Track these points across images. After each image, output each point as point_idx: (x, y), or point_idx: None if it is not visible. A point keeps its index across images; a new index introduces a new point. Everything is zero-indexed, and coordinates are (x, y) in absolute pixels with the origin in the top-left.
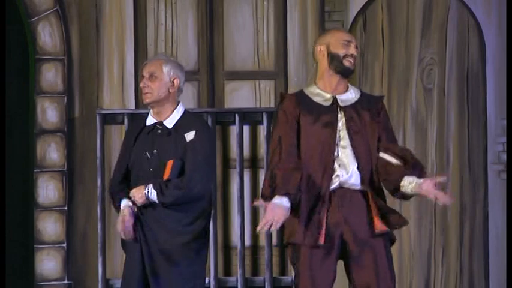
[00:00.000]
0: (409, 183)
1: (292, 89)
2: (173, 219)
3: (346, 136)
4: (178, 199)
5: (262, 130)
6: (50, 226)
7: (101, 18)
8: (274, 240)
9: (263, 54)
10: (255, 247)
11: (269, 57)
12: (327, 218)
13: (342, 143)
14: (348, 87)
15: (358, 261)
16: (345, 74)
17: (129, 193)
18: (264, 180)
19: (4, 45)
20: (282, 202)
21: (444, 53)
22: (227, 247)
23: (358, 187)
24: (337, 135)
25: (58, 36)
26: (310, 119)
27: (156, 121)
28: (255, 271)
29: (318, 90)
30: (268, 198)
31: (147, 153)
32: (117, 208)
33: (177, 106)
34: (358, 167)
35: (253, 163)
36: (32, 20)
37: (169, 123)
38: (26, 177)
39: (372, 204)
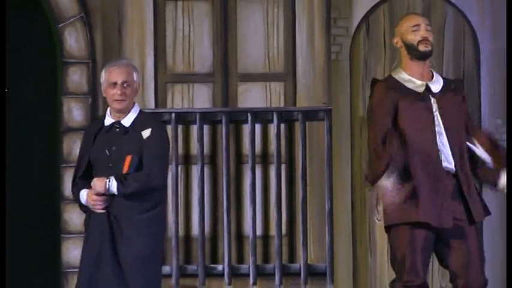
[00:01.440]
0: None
1: (300, 91)
2: (129, 206)
3: (441, 122)
4: (137, 190)
5: (272, 128)
6: (75, 217)
7: (123, 24)
8: (284, 230)
9: (273, 58)
10: (265, 236)
11: (279, 60)
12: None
13: (437, 129)
14: (432, 73)
15: (451, 245)
16: (425, 57)
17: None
18: (370, 164)
19: (4, 43)
20: (389, 182)
21: (441, 56)
22: (240, 236)
23: (453, 172)
24: (435, 122)
25: (83, 40)
26: (406, 103)
27: (114, 121)
28: (266, 259)
29: (409, 77)
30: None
31: (106, 150)
32: (81, 206)
33: (133, 106)
34: (452, 153)
35: (264, 159)
36: (59, 26)
37: (127, 122)
38: (53, 171)
39: (465, 191)
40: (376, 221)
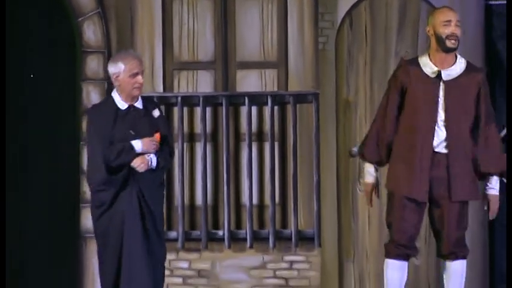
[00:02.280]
0: (487, 187)
1: (291, 77)
2: (153, 179)
3: (443, 107)
4: (168, 164)
5: (267, 110)
6: None
7: (135, 18)
8: (277, 200)
9: (268, 48)
10: (261, 205)
11: (273, 50)
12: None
13: (440, 112)
14: (456, 60)
15: (434, 213)
16: (449, 52)
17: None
18: (367, 137)
19: (4, 39)
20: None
21: (416, 46)
22: (238, 205)
23: (445, 153)
24: (438, 106)
25: (100, 33)
26: (416, 87)
27: (128, 105)
28: (261, 225)
29: (429, 62)
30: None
31: (131, 131)
32: (127, 157)
33: None
34: (449, 137)
35: (260, 137)
36: (79, 20)
37: (139, 105)
38: (73, 148)
39: (451, 172)
40: (359, 191)
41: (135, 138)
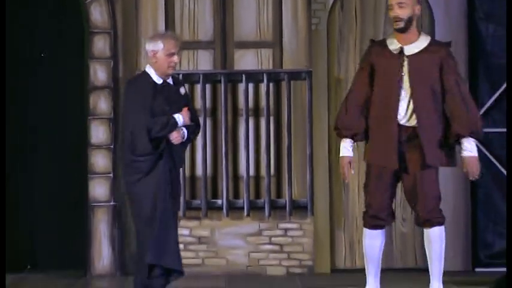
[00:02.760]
0: (461, 149)
1: (285, 56)
2: (180, 153)
3: (408, 81)
4: (196, 136)
5: (263, 87)
6: (100, 160)
7: (139, 1)
8: (272, 171)
9: (263, 29)
10: (257, 176)
11: (268, 31)
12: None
13: (404, 85)
14: (418, 37)
15: (405, 181)
16: (400, 32)
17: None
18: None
19: (4, 39)
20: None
21: None
22: (236, 176)
23: (415, 126)
24: (401, 80)
25: (106, 14)
26: (382, 64)
27: (162, 80)
28: (257, 195)
29: (394, 40)
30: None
31: (166, 105)
32: (170, 127)
33: None
34: (414, 109)
35: (256, 112)
36: (86, 1)
37: (170, 82)
38: (82, 122)
39: (422, 141)
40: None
41: (169, 112)
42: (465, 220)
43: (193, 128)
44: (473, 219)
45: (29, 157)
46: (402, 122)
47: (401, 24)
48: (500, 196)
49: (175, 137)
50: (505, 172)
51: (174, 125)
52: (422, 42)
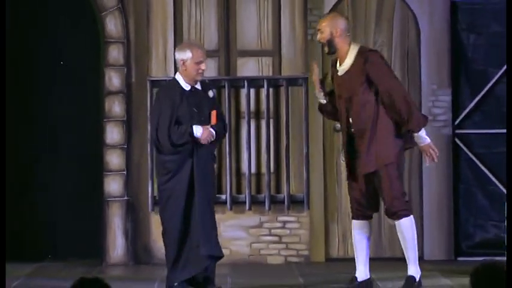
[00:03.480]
0: (416, 140)
1: (284, 63)
2: (208, 153)
3: (344, 94)
4: (224, 137)
5: (263, 92)
6: (114, 159)
7: (150, 13)
8: (272, 169)
9: (264, 39)
10: (258, 173)
11: (268, 41)
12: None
13: (343, 98)
14: (348, 53)
15: (373, 180)
16: (329, 54)
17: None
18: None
19: (4, 40)
20: None
21: (391, 37)
22: (238, 173)
23: (356, 133)
24: (340, 97)
25: (120, 25)
26: (334, 81)
27: (190, 86)
28: (258, 190)
29: (338, 61)
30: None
31: (194, 108)
32: (187, 137)
33: None
34: (352, 121)
35: (257, 115)
36: (102, 14)
37: (198, 87)
38: (98, 124)
39: (358, 148)
40: (342, 161)
41: (198, 115)
42: (448, 214)
43: (220, 128)
44: (456, 212)
45: (51, 155)
46: (352, 131)
47: (326, 49)
48: (480, 192)
49: (205, 137)
50: (484, 170)
51: (190, 136)
52: (351, 56)
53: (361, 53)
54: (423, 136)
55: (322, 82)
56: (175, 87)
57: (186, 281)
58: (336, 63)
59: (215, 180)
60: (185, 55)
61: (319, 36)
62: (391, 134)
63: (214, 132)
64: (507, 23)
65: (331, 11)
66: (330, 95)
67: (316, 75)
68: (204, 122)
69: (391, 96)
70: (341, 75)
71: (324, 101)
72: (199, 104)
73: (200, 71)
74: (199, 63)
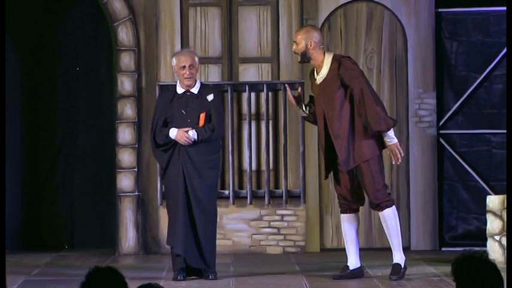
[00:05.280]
0: (385, 140)
1: (282, 69)
2: (203, 151)
3: (322, 102)
4: (211, 137)
5: (263, 95)
6: (126, 157)
7: (159, 23)
8: (271, 166)
9: (264, 46)
10: (258, 170)
11: (267, 48)
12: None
13: (322, 105)
14: (323, 61)
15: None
16: (303, 63)
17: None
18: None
19: (4, 40)
20: None
21: (380, 45)
22: (240, 170)
23: (334, 135)
24: (320, 102)
25: (131, 34)
26: (312, 90)
27: (184, 90)
28: (258, 186)
29: (314, 70)
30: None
31: (183, 110)
32: (164, 138)
33: (196, 80)
34: (329, 125)
35: (257, 116)
36: (115, 24)
37: (195, 91)
38: (111, 125)
39: (336, 149)
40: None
41: (185, 117)
42: (433, 207)
43: (205, 129)
44: (440, 206)
45: (69, 153)
46: (330, 133)
47: (299, 58)
48: (462, 187)
49: (179, 139)
50: (466, 167)
51: (167, 137)
52: (327, 64)
53: (335, 60)
54: (391, 136)
55: (298, 99)
56: (170, 91)
57: (184, 268)
58: (313, 73)
59: (215, 177)
60: (173, 62)
61: (294, 47)
62: (368, 133)
63: (192, 134)
64: (507, 22)
65: (325, 21)
66: (309, 106)
67: (290, 96)
68: (191, 123)
69: (362, 99)
70: (319, 83)
71: (305, 115)
72: (189, 106)
73: (185, 76)
74: (182, 68)
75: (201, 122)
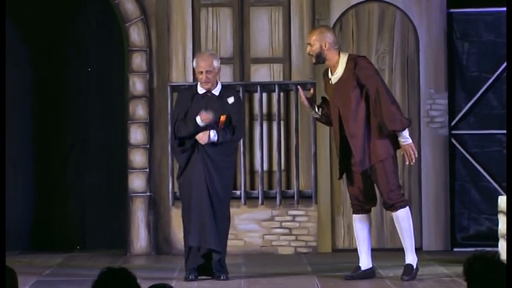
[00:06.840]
0: (399, 140)
1: (294, 70)
2: (221, 151)
3: (338, 102)
4: (231, 140)
5: (275, 96)
6: (137, 158)
7: (171, 23)
8: (283, 166)
9: (275, 47)
10: (270, 171)
11: (279, 49)
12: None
13: (337, 105)
14: (338, 62)
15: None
16: (319, 64)
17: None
18: None
19: (4, 40)
20: None
21: (392, 45)
22: (252, 171)
23: (349, 135)
24: (335, 101)
25: (143, 35)
26: (326, 90)
27: (205, 91)
28: (270, 186)
29: (329, 70)
30: None
31: (203, 110)
32: (192, 128)
33: (218, 82)
34: (345, 125)
35: (269, 117)
36: (126, 24)
37: (216, 92)
38: (123, 126)
39: (352, 149)
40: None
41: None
42: (445, 208)
43: (226, 132)
44: (451, 207)
45: (81, 154)
46: (346, 133)
47: (313, 60)
48: (473, 187)
49: (200, 138)
50: (478, 167)
51: (194, 124)
52: (342, 65)
53: (350, 59)
54: (406, 136)
55: (310, 100)
56: (190, 91)
57: (196, 268)
58: (328, 73)
59: (230, 178)
60: (194, 64)
61: (308, 49)
62: (383, 133)
63: (214, 136)
64: (507, 23)
65: (336, 21)
66: (321, 107)
67: (303, 97)
68: (209, 124)
69: (378, 98)
70: (334, 83)
71: (317, 116)
72: (208, 107)
73: (202, 80)
74: (199, 73)
75: (222, 124)
